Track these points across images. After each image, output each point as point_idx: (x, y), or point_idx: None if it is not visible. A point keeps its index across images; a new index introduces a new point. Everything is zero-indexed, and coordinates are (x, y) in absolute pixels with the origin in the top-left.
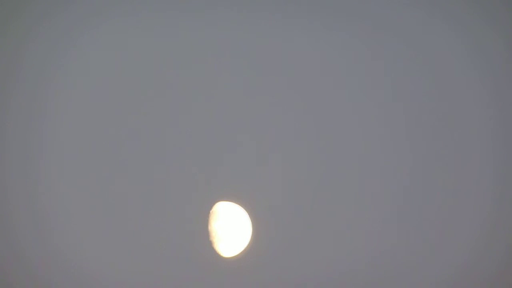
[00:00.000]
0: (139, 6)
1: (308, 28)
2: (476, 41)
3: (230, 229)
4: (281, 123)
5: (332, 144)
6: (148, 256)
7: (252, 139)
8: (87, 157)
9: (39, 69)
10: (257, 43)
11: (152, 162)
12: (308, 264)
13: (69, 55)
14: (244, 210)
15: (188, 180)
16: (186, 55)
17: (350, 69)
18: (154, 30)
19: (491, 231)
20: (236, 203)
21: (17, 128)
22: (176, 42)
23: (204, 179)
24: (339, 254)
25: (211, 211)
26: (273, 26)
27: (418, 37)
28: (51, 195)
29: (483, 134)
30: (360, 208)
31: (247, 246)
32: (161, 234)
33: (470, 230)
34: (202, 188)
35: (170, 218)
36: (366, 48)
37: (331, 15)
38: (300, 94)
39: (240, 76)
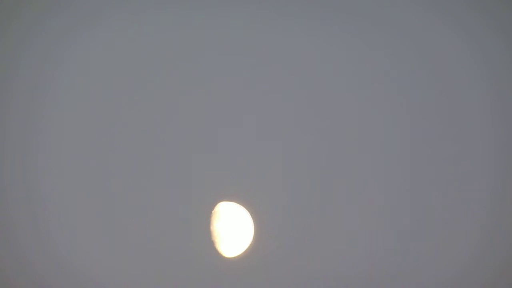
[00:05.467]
0: (139, 5)
1: (308, 26)
2: (477, 40)
3: (232, 229)
4: (283, 123)
5: (335, 144)
6: (149, 256)
7: (255, 139)
8: (87, 157)
9: (38, 69)
10: (258, 41)
11: (153, 162)
12: (310, 264)
13: (68, 54)
14: (246, 210)
15: (190, 180)
16: (186, 54)
17: (351, 68)
18: (153, 29)
19: (493, 233)
20: (238, 203)
21: (16, 127)
22: (176, 41)
23: (206, 179)
24: (341, 255)
25: (213, 211)
26: (273, 24)
27: (419, 36)
28: (50, 195)
29: (484, 134)
30: (362, 208)
31: (249, 247)
32: (163, 234)
33: (471, 232)
34: (204, 188)
35: (172, 218)
36: (366, 47)
37: (331, 14)
38: (302, 93)
39: (242, 75)
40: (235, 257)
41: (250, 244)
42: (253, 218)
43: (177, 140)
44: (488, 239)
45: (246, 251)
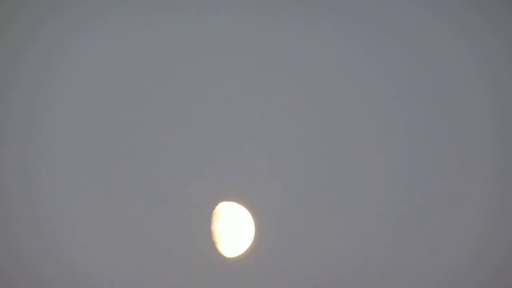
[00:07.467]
0: (139, 6)
1: (309, 28)
2: (477, 41)
3: (233, 229)
4: (283, 124)
5: (334, 144)
6: (151, 256)
7: (255, 140)
8: (88, 158)
9: (39, 69)
10: (258, 43)
11: (154, 162)
12: (310, 263)
13: (69, 55)
14: (247, 210)
15: (191, 181)
16: (187, 55)
17: (351, 69)
18: (154, 30)
19: (491, 232)
20: (239, 203)
21: (17, 128)
22: (177, 42)
23: (207, 179)
24: (341, 254)
25: (214, 211)
26: (274, 26)
27: (418, 37)
28: (51, 195)
29: (483, 134)
30: (361, 208)
31: (249, 246)
32: (164, 234)
33: (470, 231)
34: (205, 189)
35: (173, 219)
36: (366, 48)
37: (331, 15)
38: (302, 95)
39: (242, 76)
40: (235, 257)
41: (251, 244)
42: (253, 218)
43: (177, 141)
44: (488, 239)
45: (246, 251)
